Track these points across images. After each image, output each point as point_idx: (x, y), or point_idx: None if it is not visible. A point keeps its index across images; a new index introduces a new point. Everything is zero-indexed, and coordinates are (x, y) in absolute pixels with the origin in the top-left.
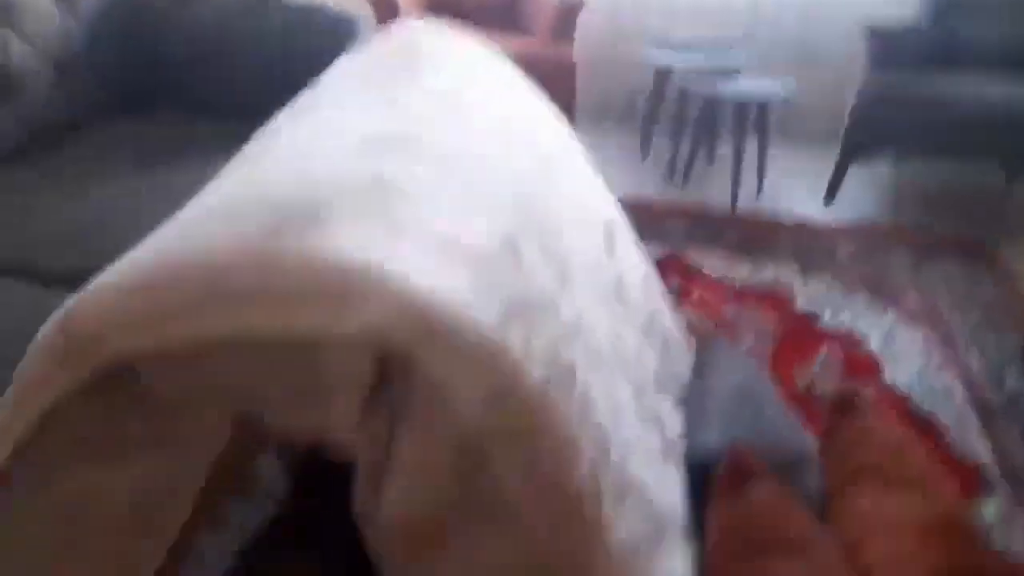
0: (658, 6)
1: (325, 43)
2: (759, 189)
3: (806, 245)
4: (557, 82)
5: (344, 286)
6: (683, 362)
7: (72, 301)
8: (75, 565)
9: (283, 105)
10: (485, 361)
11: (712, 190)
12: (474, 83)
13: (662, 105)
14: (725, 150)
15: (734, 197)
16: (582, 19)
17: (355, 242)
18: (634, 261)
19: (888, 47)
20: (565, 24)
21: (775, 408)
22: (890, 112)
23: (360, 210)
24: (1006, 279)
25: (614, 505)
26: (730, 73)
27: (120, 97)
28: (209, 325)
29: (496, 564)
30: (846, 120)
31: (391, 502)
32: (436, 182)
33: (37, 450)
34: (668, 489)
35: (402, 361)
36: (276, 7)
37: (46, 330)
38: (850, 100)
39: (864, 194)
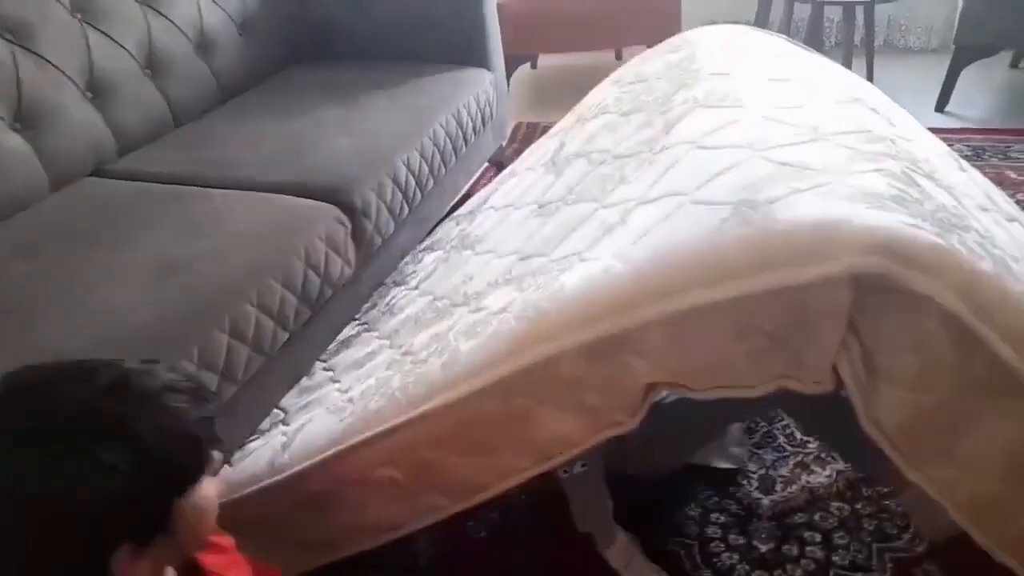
0: None
1: None
2: None
3: None
4: (663, 8)
5: (822, 239)
6: None
7: None
8: None
9: (418, 49)
10: (948, 261)
11: None
12: (792, 63)
13: (769, 19)
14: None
15: None
16: None
17: (810, 207)
18: (978, 176)
19: None
20: None
21: None
22: (1001, 5)
23: (796, 187)
24: None
25: None
26: None
27: (292, 50)
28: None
29: (1014, 430)
30: (956, 23)
31: (899, 408)
32: (827, 157)
33: None
34: None
35: (878, 284)
36: None
37: None
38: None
39: (979, 99)
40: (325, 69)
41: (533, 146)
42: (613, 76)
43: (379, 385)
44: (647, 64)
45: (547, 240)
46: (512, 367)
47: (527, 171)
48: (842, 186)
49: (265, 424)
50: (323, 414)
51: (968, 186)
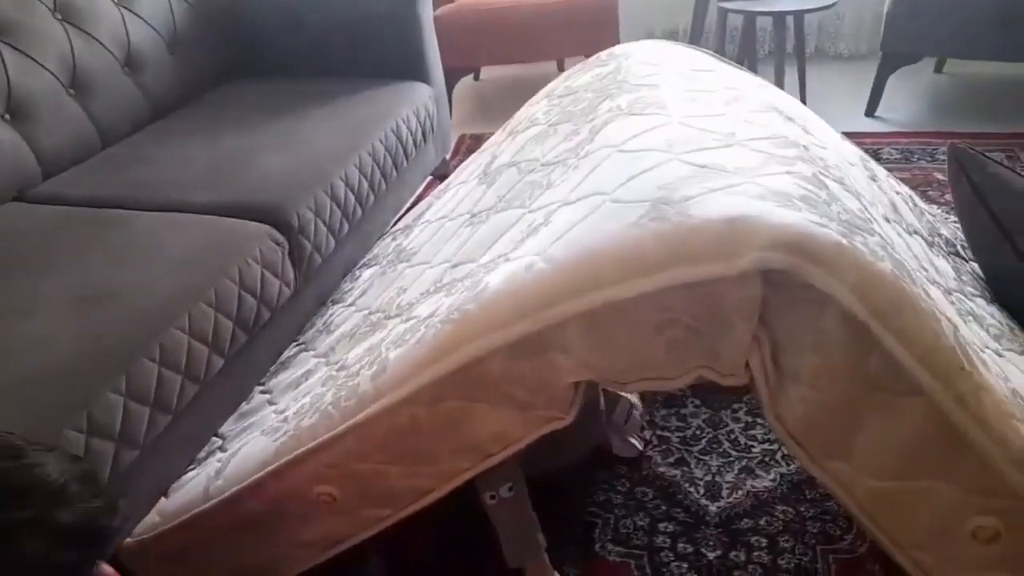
0: None
1: (387, 10)
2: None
3: None
4: (601, 24)
5: (734, 234)
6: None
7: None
8: None
9: (354, 64)
10: (848, 260)
11: None
12: (714, 76)
13: (704, 29)
14: (767, 75)
15: None
16: None
17: (723, 205)
18: (894, 185)
19: None
20: None
21: None
22: (923, 14)
23: (710, 187)
24: None
25: (980, 366)
26: None
27: (225, 66)
28: (639, 286)
29: (907, 428)
30: (882, 30)
31: (800, 405)
32: (742, 160)
33: None
34: (1009, 376)
35: (784, 280)
36: None
37: None
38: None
39: (907, 103)
40: (260, 85)
41: (467, 160)
42: (544, 90)
43: (313, 402)
44: (576, 78)
45: (477, 246)
46: (439, 370)
47: (460, 184)
48: (754, 186)
49: (203, 453)
50: (258, 437)
51: (876, 195)
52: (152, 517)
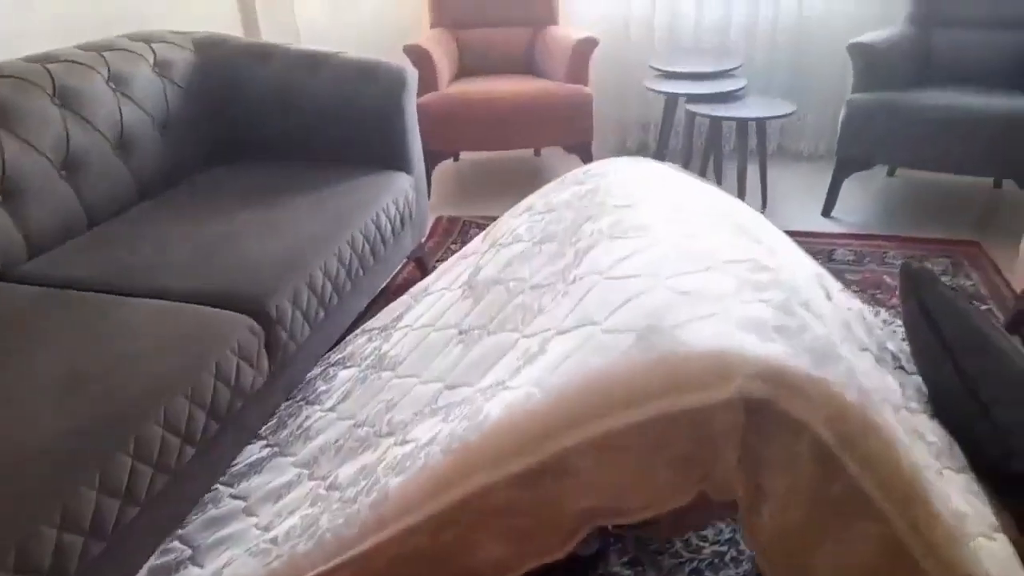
0: (661, 40)
1: (381, 93)
2: (763, 204)
3: (808, 253)
4: (577, 116)
5: (721, 364)
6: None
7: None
8: None
9: (339, 151)
10: (820, 392)
11: None
12: (686, 195)
13: (672, 131)
14: (731, 170)
15: None
16: (594, 58)
17: (708, 335)
18: (845, 300)
19: (871, 64)
20: (580, 64)
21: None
22: (875, 126)
23: (694, 315)
24: (995, 273)
25: (934, 479)
26: (732, 98)
27: (213, 149)
28: (634, 416)
29: (860, 552)
30: (837, 137)
31: (770, 522)
32: (720, 286)
33: None
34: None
35: (763, 408)
36: (337, 62)
37: None
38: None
39: (860, 205)
40: (246, 169)
41: (446, 264)
42: (525, 204)
43: (306, 525)
44: (556, 194)
45: (472, 368)
46: (443, 502)
47: (442, 291)
48: (734, 314)
49: (168, 556)
50: (245, 557)
51: (833, 315)
52: None
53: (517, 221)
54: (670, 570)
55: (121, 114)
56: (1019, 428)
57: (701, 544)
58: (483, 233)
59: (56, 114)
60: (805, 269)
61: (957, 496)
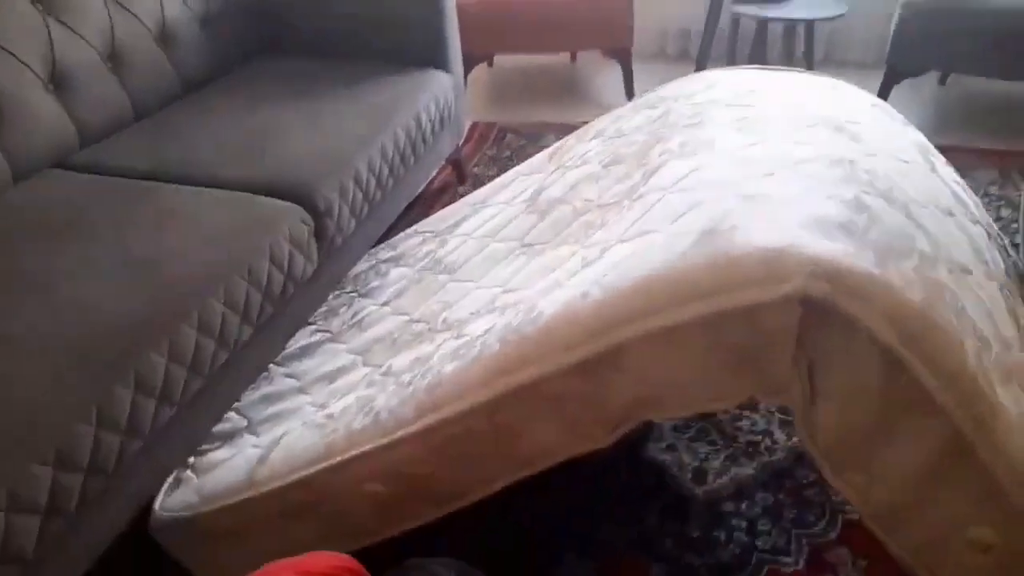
0: None
1: None
2: None
3: None
4: (615, 18)
5: (777, 262)
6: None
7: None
8: None
9: (378, 48)
10: (880, 292)
11: None
12: (761, 98)
13: (717, 29)
14: None
15: None
16: None
17: (767, 234)
18: (953, 174)
19: None
20: None
21: None
22: (930, 30)
23: (757, 216)
24: None
25: (1002, 385)
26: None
27: (253, 43)
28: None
29: (926, 447)
30: (889, 43)
31: (829, 422)
32: (787, 187)
33: None
34: None
35: (821, 307)
36: None
37: None
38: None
39: (910, 114)
40: (287, 64)
41: (503, 179)
42: (595, 127)
43: (361, 404)
44: (627, 119)
45: (531, 275)
46: (497, 389)
47: (502, 205)
48: (797, 214)
49: (226, 426)
50: (301, 429)
51: (934, 192)
52: (187, 495)
53: (587, 146)
54: (706, 456)
55: (163, 6)
56: None
57: (737, 433)
58: (546, 152)
59: (99, 5)
60: (902, 145)
61: None
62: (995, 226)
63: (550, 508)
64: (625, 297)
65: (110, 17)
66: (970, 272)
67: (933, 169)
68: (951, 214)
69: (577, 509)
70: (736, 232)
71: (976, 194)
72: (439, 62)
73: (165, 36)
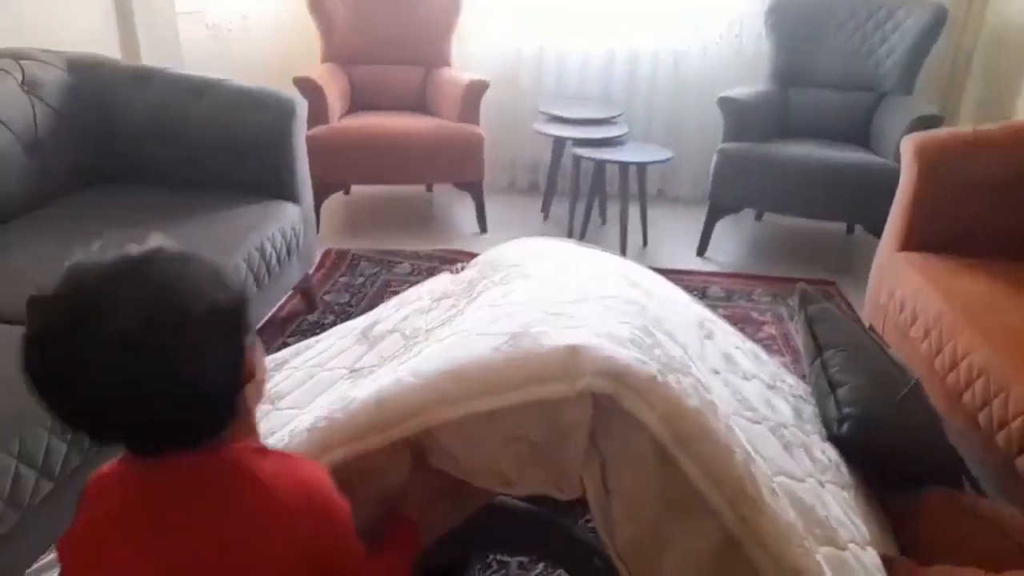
0: (548, 86)
1: (270, 121)
2: (644, 243)
3: (684, 290)
4: (468, 155)
5: (572, 360)
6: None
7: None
8: None
9: (224, 179)
10: (658, 393)
11: (605, 246)
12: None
13: (559, 173)
14: (614, 211)
15: (623, 251)
16: (485, 100)
17: (567, 337)
18: (735, 341)
19: (739, 117)
20: (471, 105)
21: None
22: (742, 174)
23: (559, 326)
24: (848, 309)
25: (770, 496)
26: (615, 143)
27: (87, 172)
28: (496, 402)
29: (703, 548)
30: (710, 184)
31: (619, 519)
32: (590, 312)
33: None
34: (827, 504)
35: (608, 403)
36: (223, 89)
37: None
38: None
39: (731, 247)
40: (123, 193)
41: (332, 330)
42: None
43: None
44: (459, 275)
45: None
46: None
47: (337, 339)
48: (595, 328)
49: None
50: None
51: (707, 352)
52: None
53: (419, 292)
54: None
55: None
56: (852, 403)
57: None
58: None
59: None
60: (684, 313)
61: (834, 506)
62: (788, 382)
63: None
64: (434, 384)
65: None
66: (734, 411)
67: (709, 337)
68: (717, 372)
69: None
70: (543, 336)
71: (789, 319)
72: (287, 193)
73: None
